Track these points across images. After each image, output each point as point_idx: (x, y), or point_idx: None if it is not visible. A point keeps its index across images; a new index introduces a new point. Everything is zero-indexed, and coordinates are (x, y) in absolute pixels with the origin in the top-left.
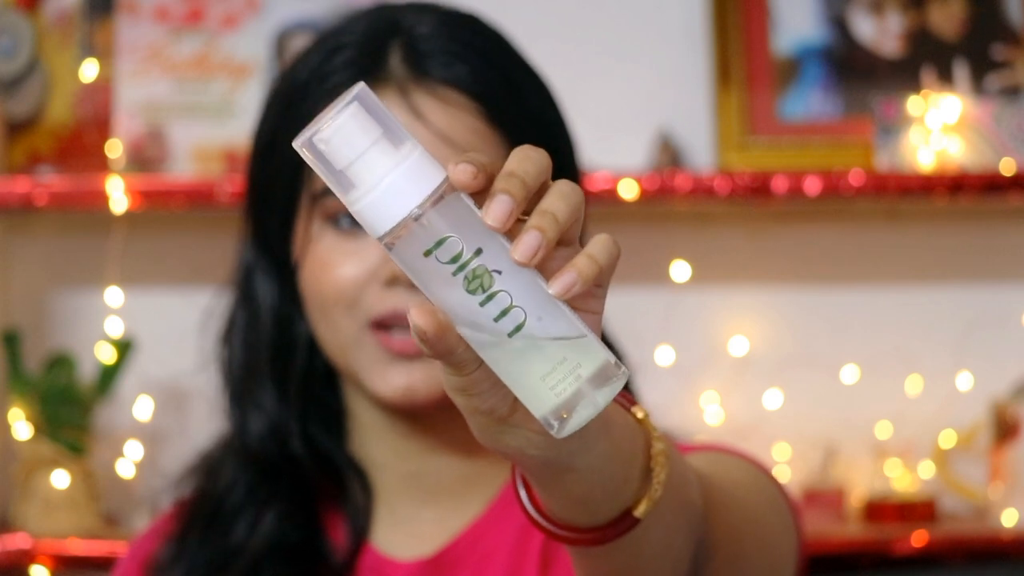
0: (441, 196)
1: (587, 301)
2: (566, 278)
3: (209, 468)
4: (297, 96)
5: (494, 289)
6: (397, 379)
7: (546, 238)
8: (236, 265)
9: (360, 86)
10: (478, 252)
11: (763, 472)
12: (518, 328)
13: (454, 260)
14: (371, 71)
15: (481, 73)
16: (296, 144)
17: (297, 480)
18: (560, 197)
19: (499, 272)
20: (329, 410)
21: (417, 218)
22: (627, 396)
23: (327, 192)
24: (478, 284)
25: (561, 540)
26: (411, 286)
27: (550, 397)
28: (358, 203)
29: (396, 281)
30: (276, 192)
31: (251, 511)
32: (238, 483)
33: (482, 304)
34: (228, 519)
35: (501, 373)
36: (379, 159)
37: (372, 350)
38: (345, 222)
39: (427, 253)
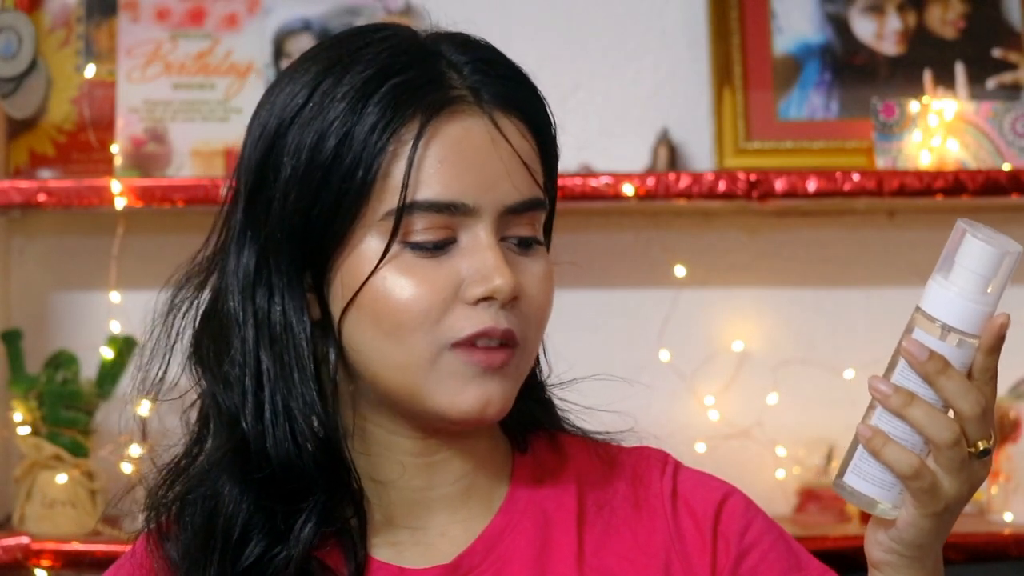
0: (963, 340)
1: None
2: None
3: (200, 495)
4: (363, 118)
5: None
6: (475, 393)
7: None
8: (234, 279)
9: (1019, 250)
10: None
11: None
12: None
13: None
14: (439, 91)
15: (530, 97)
16: (964, 224)
17: (325, 493)
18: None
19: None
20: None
21: (948, 331)
22: None
23: (410, 208)
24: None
25: None
26: (509, 306)
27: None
28: (943, 287)
29: (486, 300)
30: (330, 215)
31: (257, 534)
32: (240, 507)
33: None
34: (237, 545)
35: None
36: (977, 283)
37: (453, 366)
38: (424, 238)
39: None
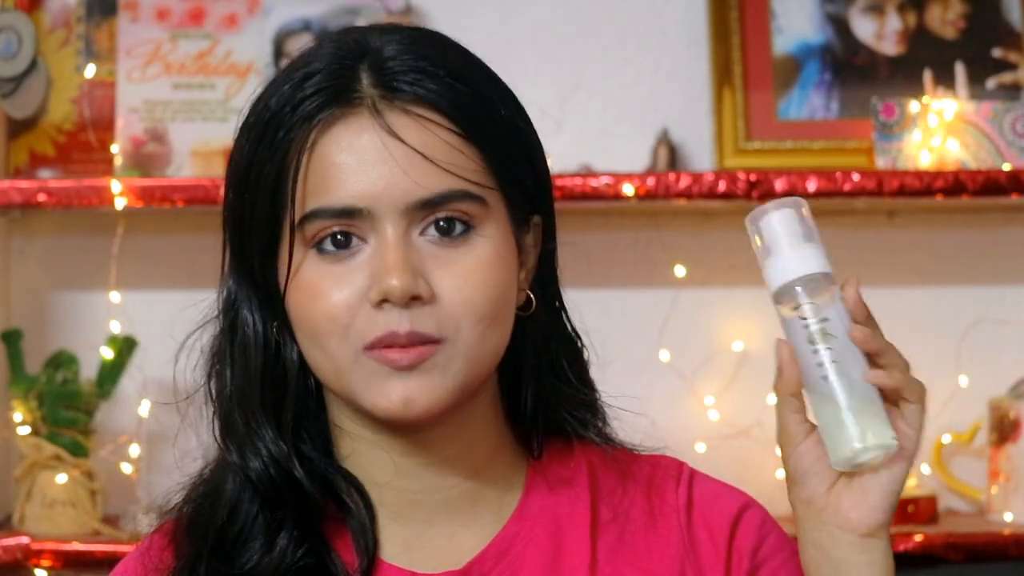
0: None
1: None
2: None
3: (205, 494)
4: (271, 125)
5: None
6: (395, 392)
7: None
8: (220, 296)
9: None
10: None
11: None
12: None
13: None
14: (343, 95)
15: (452, 88)
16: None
17: (301, 503)
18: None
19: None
20: (322, 429)
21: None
22: None
23: (309, 217)
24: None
25: None
26: (402, 306)
27: None
28: (779, 259)
29: (386, 302)
30: (256, 221)
31: (259, 536)
32: (240, 509)
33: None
34: (236, 546)
35: None
36: (800, 237)
37: (370, 367)
38: (329, 245)
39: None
